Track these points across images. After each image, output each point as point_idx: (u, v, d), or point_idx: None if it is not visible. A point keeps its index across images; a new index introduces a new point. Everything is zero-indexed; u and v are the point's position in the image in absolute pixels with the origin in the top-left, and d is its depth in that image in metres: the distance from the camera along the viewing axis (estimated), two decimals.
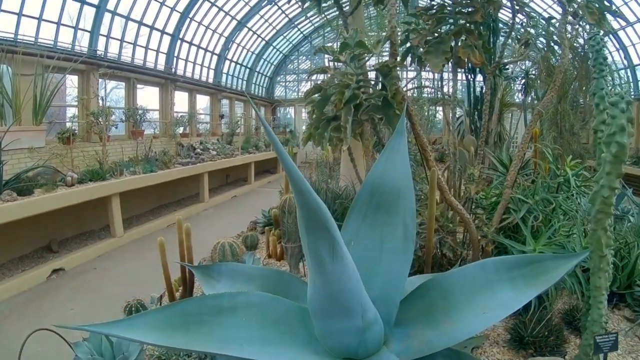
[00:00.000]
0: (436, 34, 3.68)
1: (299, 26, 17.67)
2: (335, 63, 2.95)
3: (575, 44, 6.22)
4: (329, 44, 18.72)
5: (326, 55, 3.15)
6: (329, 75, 2.80)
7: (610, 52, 12.63)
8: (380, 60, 3.48)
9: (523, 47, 5.29)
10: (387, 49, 3.20)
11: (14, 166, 5.84)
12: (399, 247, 1.85)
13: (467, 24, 3.64)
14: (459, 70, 4.64)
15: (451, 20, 3.83)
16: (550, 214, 3.18)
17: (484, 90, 4.66)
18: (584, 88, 7.36)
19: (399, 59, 2.94)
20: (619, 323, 2.91)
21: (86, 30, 8.31)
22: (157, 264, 3.14)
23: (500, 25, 7.66)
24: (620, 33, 11.82)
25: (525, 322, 2.61)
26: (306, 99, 3.00)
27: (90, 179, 6.45)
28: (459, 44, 3.64)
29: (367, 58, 2.87)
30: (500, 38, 7.18)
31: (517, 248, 2.94)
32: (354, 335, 1.53)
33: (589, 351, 2.00)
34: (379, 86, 2.87)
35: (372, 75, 3.24)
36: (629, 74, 12.60)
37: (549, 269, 1.78)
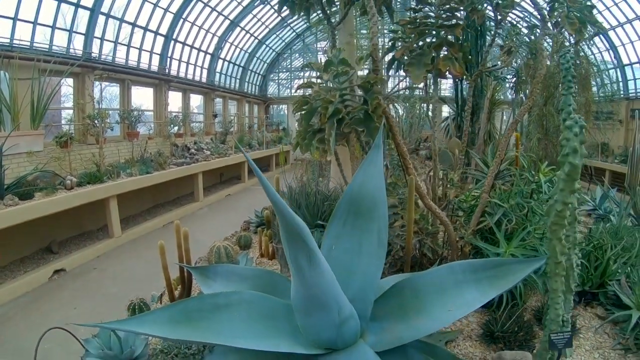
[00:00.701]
0: (418, 45, 3.90)
1: (292, 24, 17.82)
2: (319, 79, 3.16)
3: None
4: (321, 44, 18.92)
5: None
6: (315, 89, 3.02)
7: (600, 52, 12.89)
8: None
9: (506, 54, 5.53)
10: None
11: (14, 170, 5.99)
12: (374, 251, 2.09)
13: (448, 37, 3.86)
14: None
15: (434, 32, 4.04)
16: (524, 218, 3.33)
17: (466, 94, 4.85)
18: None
19: (383, 73, 3.15)
20: (590, 320, 3.04)
21: (80, 33, 8.44)
22: (155, 263, 3.35)
23: (490, 23, 7.83)
24: (611, 33, 12.07)
25: (496, 318, 2.78)
26: (294, 111, 3.23)
27: (89, 181, 6.64)
28: (440, 55, 3.86)
29: (350, 74, 3.09)
30: (488, 38, 7.38)
31: (491, 250, 3.11)
32: (332, 329, 1.78)
33: (548, 347, 2.23)
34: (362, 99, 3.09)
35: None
36: (619, 73, 12.85)
37: (511, 272, 1.99)
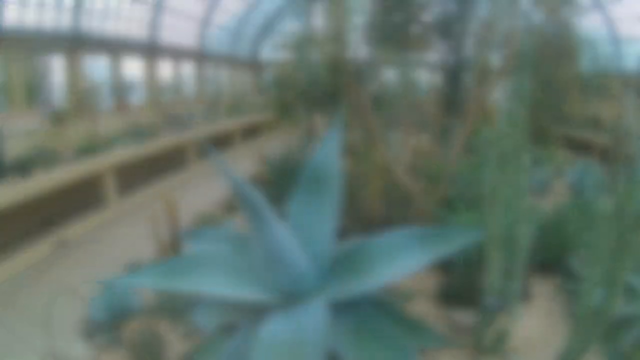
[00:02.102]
0: (390, 20, 4.08)
1: None
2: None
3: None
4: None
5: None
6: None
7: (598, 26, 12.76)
8: None
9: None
10: None
11: (13, 150, 6.14)
12: (332, 215, 2.44)
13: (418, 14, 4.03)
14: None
15: (406, 9, 4.20)
16: None
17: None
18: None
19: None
20: (546, 289, 3.29)
21: (69, 9, 8.42)
22: (149, 230, 3.70)
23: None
24: (608, 7, 11.90)
25: (450, 281, 3.12)
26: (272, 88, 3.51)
27: (84, 155, 6.90)
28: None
29: (320, 52, 3.32)
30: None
31: (450, 217, 3.43)
32: (289, 282, 2.15)
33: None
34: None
35: None
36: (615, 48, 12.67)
37: (452, 239, 2.32)
